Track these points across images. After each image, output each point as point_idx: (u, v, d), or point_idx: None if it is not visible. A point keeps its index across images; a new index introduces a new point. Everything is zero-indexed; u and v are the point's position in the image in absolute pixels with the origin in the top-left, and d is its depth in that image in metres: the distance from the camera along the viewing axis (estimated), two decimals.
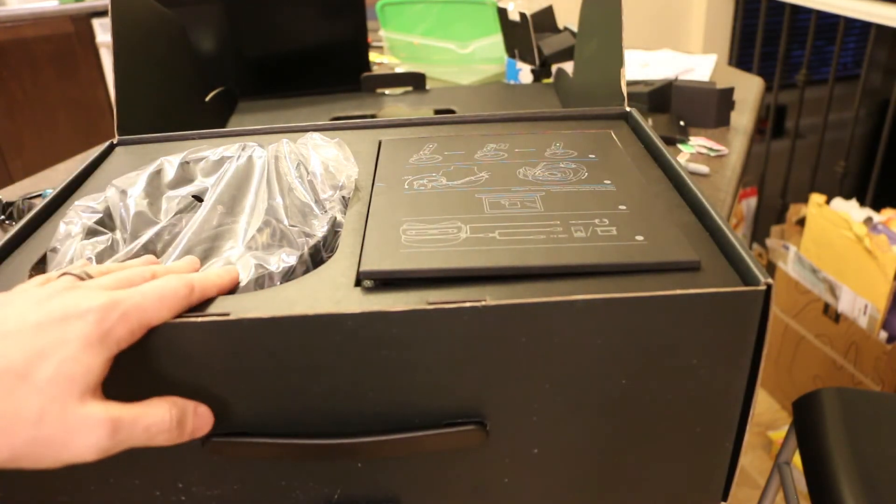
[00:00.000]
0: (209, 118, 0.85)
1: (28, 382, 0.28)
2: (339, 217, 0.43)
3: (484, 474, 0.38)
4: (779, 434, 1.57)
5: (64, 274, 0.34)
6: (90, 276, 0.33)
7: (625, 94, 0.58)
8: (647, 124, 0.53)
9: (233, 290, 0.37)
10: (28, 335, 0.29)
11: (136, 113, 0.62)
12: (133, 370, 0.32)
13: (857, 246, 1.42)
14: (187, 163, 0.47)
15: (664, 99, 0.98)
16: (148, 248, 0.42)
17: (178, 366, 0.33)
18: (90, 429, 0.29)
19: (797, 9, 1.98)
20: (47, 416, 0.28)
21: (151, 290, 0.32)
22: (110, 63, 1.03)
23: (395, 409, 0.35)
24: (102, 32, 2.11)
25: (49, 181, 0.88)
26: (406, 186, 0.44)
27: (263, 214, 0.43)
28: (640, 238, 0.37)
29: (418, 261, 0.36)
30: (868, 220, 1.49)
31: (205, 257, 0.42)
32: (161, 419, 0.32)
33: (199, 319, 0.33)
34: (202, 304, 0.34)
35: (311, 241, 0.41)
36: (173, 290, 0.32)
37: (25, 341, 0.29)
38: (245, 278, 0.38)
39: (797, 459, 0.86)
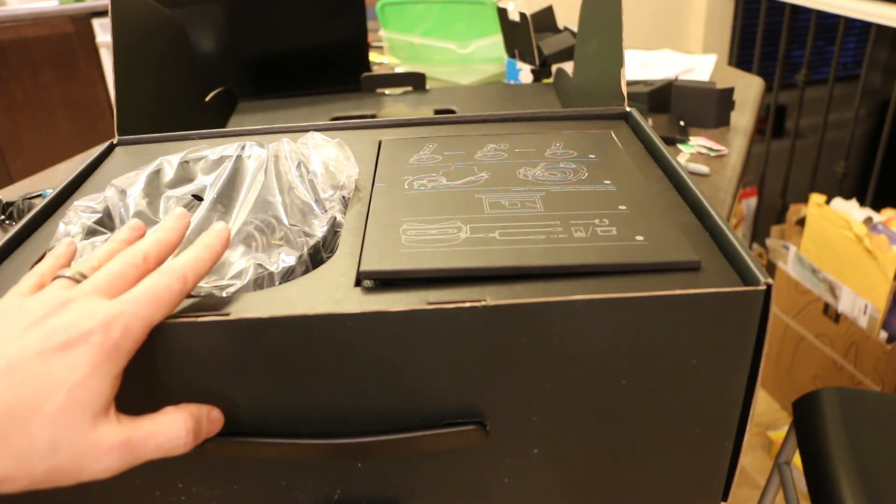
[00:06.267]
0: (209, 118, 0.85)
1: (40, 415, 0.28)
2: (339, 217, 0.43)
3: (484, 474, 0.38)
4: (779, 434, 1.57)
5: (57, 277, 0.33)
6: (83, 276, 0.33)
7: (625, 94, 0.58)
8: (647, 124, 0.53)
9: (227, 286, 0.37)
10: (35, 365, 0.29)
11: (136, 113, 0.62)
12: (132, 370, 0.32)
13: (857, 246, 1.42)
14: (187, 162, 0.47)
15: (664, 99, 0.98)
16: None
17: (177, 366, 0.33)
18: (103, 453, 0.30)
19: (797, 9, 1.98)
20: (61, 446, 0.29)
21: (146, 293, 0.32)
22: (110, 63, 1.03)
23: (395, 409, 0.35)
24: (102, 32, 2.11)
25: (49, 181, 0.88)
26: (406, 186, 0.44)
27: (252, 207, 0.43)
28: (640, 238, 0.37)
29: (418, 261, 0.36)
30: (868, 220, 1.49)
31: None
32: (176, 434, 0.32)
33: (199, 319, 0.33)
34: (201, 303, 0.34)
35: (311, 241, 0.41)
36: (167, 288, 0.32)
37: (33, 372, 0.28)
38: (245, 278, 0.38)
39: (797, 459, 0.86)
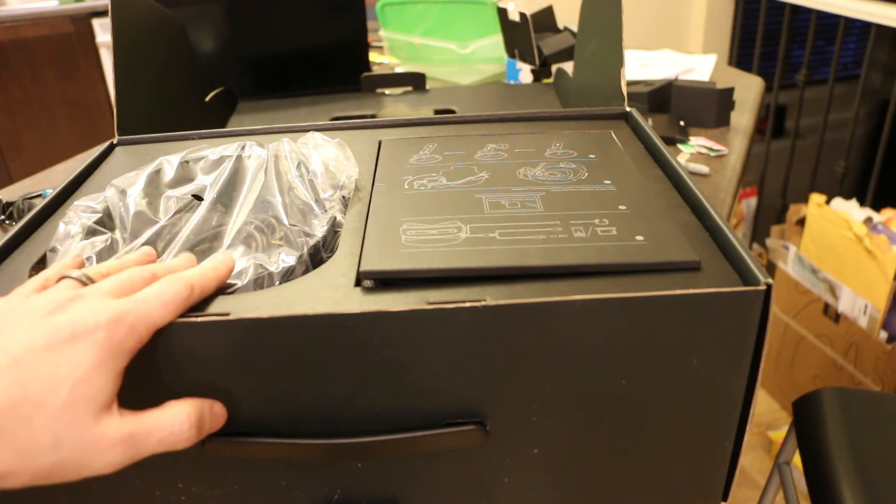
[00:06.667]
0: (209, 118, 0.85)
1: (43, 410, 0.28)
2: (339, 217, 0.43)
3: (484, 474, 0.38)
4: (779, 434, 1.57)
5: (63, 277, 0.33)
6: (90, 280, 0.33)
7: (625, 94, 0.58)
8: (647, 124, 0.53)
9: (229, 287, 0.37)
10: (39, 360, 0.29)
11: (135, 113, 0.62)
12: (132, 369, 0.32)
13: (857, 246, 1.42)
14: (187, 162, 0.47)
15: (664, 99, 0.98)
16: None
17: (177, 366, 0.33)
18: (106, 448, 0.30)
19: (797, 9, 1.98)
20: (64, 441, 0.29)
21: (154, 295, 0.32)
22: (110, 63, 1.03)
23: (395, 409, 0.35)
24: (102, 32, 2.11)
25: (49, 181, 0.88)
26: (406, 186, 0.44)
27: (252, 207, 0.43)
28: (640, 238, 0.37)
29: (418, 261, 0.36)
30: (868, 220, 1.49)
31: (204, 257, 0.42)
32: (179, 428, 0.32)
33: (200, 319, 0.33)
34: (202, 303, 0.34)
35: (311, 241, 0.41)
36: (174, 293, 0.32)
37: (37, 367, 0.28)
38: (245, 278, 0.38)
39: (797, 459, 0.86)
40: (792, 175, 2.07)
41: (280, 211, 0.43)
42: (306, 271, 0.39)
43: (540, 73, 1.04)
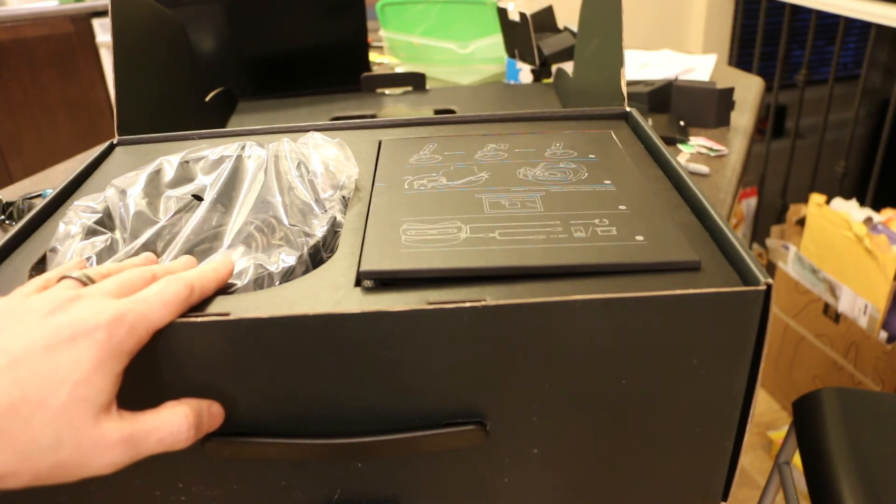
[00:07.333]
0: (209, 118, 0.85)
1: (43, 410, 0.28)
2: (339, 217, 0.43)
3: (484, 474, 0.38)
4: (779, 434, 1.57)
5: (63, 277, 0.33)
6: (91, 280, 0.33)
7: (625, 94, 0.58)
8: (647, 124, 0.53)
9: (229, 287, 0.37)
10: (39, 360, 0.29)
11: (135, 113, 0.62)
12: (132, 369, 0.32)
13: (857, 246, 1.42)
14: (187, 162, 0.47)
15: (664, 99, 0.98)
16: (147, 248, 0.42)
17: (177, 366, 0.34)
18: (106, 449, 0.30)
19: (797, 9, 1.98)
20: (64, 442, 0.29)
21: (154, 295, 0.32)
22: (110, 63, 1.03)
23: (395, 409, 0.35)
24: (102, 32, 2.11)
25: (49, 181, 0.88)
26: (406, 186, 0.44)
27: (251, 208, 0.43)
28: (640, 238, 0.37)
29: (418, 261, 0.36)
30: (868, 220, 1.49)
31: (204, 257, 0.42)
32: (177, 428, 0.32)
33: (200, 319, 0.33)
34: (202, 303, 0.34)
35: (311, 241, 0.41)
36: (174, 293, 0.32)
37: (37, 368, 0.28)
38: (245, 278, 0.38)
39: (797, 459, 0.86)
40: (792, 175, 2.07)
41: (280, 211, 0.43)
42: (306, 271, 0.39)
43: (540, 73, 1.04)
